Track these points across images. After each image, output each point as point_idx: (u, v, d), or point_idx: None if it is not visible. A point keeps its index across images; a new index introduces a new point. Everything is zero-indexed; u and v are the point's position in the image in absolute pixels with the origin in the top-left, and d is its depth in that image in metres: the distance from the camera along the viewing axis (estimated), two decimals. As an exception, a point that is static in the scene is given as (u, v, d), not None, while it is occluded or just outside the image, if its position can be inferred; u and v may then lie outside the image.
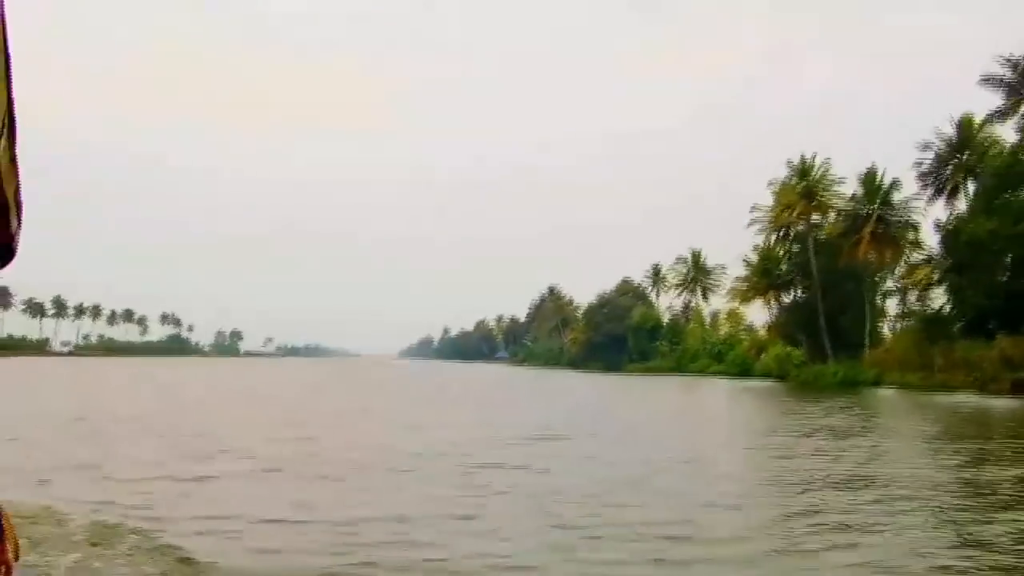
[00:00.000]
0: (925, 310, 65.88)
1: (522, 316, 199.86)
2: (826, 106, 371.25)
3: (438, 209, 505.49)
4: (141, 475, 13.98)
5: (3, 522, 2.47)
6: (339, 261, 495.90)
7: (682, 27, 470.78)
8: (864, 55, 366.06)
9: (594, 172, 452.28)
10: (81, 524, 9.67)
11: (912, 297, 68.97)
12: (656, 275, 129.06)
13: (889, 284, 72.77)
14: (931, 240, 62.04)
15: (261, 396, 41.55)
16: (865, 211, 65.20)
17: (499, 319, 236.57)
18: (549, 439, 21.41)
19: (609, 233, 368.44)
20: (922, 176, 60.79)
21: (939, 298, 63.35)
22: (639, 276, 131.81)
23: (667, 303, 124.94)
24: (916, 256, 65.80)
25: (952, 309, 54.87)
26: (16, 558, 2.52)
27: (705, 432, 25.48)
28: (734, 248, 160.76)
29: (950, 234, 53.80)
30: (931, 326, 56.66)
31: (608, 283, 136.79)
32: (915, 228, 63.87)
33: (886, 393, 54.32)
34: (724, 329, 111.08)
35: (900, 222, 64.29)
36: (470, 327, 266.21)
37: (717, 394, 53.93)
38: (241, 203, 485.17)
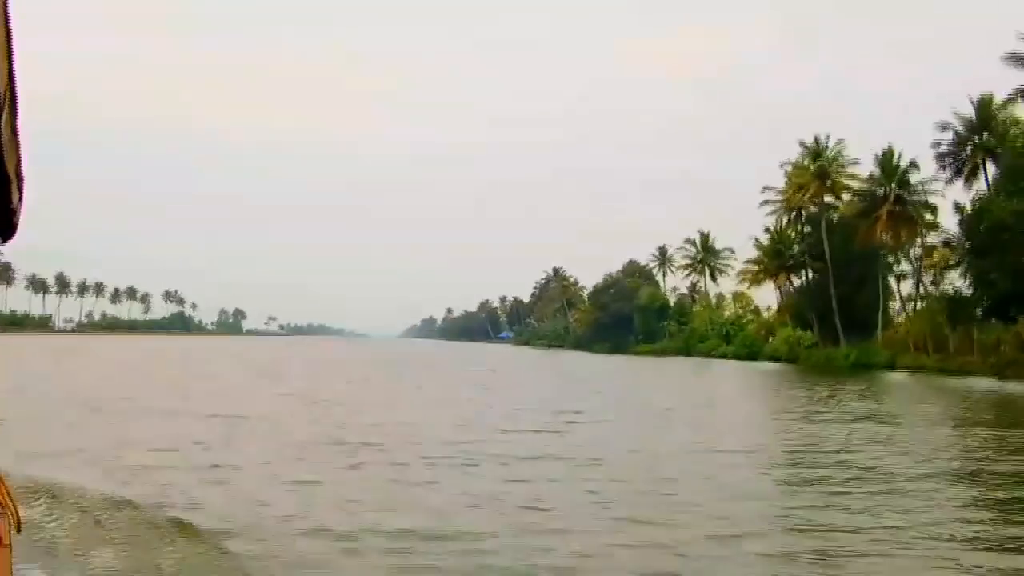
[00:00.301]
0: (942, 292, 64.92)
1: (526, 297, 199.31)
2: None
3: (439, 190, 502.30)
4: (161, 462, 13.06)
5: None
6: (339, 241, 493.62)
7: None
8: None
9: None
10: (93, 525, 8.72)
11: (927, 279, 67.94)
12: (663, 256, 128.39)
13: (904, 266, 71.51)
14: (948, 222, 60.84)
15: (275, 375, 40.64)
16: (882, 191, 63.98)
17: (503, 300, 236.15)
18: (584, 424, 20.47)
19: (611, 214, 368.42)
20: (940, 157, 59.35)
21: (955, 280, 62.39)
22: (644, 258, 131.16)
23: (673, 285, 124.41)
24: (932, 238, 64.58)
25: (974, 292, 53.77)
26: (18, 531, 2.65)
27: (746, 419, 24.31)
28: (733, 234, 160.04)
29: (972, 215, 52.62)
30: (954, 308, 55.72)
31: (611, 266, 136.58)
32: (933, 209, 62.55)
33: (903, 377, 53.46)
34: (729, 311, 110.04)
35: (918, 203, 62.98)
36: (473, 308, 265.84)
37: (734, 377, 52.99)
38: (242, 184, 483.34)
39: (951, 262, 59.88)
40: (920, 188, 62.81)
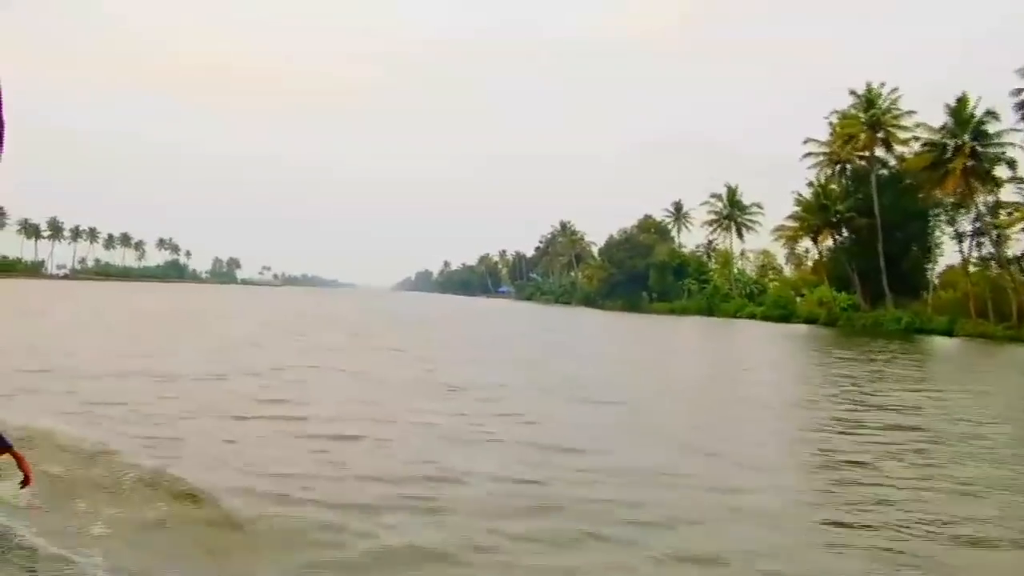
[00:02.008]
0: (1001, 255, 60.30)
1: (529, 252, 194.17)
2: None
3: (439, 144, 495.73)
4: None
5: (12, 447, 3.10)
6: (335, 194, 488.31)
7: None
8: None
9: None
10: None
11: (989, 239, 62.36)
12: (678, 212, 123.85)
13: (965, 225, 65.81)
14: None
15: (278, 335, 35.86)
16: (954, 143, 58.41)
17: (503, 253, 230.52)
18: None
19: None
20: (1020, 106, 54.12)
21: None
22: (659, 214, 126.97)
23: (687, 241, 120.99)
24: (1010, 195, 58.82)
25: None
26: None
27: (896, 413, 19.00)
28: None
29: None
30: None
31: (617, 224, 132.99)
32: (1011, 163, 57.16)
33: (971, 344, 49.34)
34: (739, 267, 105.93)
35: (995, 156, 57.61)
36: (472, 262, 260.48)
37: (790, 344, 47.61)
38: (239, 138, 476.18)
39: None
40: (998, 140, 57.41)
